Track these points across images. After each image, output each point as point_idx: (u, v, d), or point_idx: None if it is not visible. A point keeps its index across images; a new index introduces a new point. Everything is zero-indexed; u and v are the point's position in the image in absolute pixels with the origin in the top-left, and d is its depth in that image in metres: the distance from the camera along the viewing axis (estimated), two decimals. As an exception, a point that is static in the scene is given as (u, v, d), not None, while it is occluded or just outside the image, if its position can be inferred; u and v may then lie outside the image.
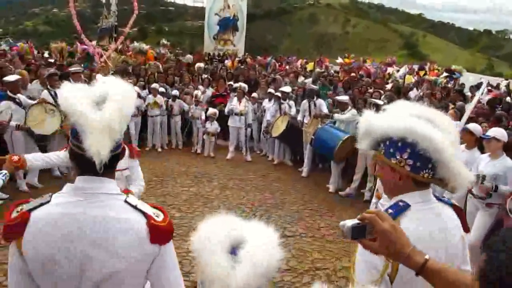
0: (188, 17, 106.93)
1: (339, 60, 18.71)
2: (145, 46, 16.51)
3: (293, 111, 9.94)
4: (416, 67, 17.99)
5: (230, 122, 10.54)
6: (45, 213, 1.65)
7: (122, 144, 1.80)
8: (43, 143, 7.57)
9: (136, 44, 16.86)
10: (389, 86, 13.07)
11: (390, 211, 1.80)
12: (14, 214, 1.67)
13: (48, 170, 7.92)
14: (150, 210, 1.74)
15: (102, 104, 1.68)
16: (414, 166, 1.81)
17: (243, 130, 10.43)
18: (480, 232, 5.39)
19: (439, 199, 1.94)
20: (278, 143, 10.18)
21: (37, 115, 7.17)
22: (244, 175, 9.08)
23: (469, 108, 4.34)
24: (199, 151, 10.74)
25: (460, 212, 1.98)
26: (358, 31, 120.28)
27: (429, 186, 1.88)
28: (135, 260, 1.66)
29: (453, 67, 18.72)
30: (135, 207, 1.72)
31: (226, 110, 10.60)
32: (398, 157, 1.84)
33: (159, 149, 10.79)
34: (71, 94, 1.70)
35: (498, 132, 5.39)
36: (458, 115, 7.56)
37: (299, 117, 9.73)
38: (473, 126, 5.89)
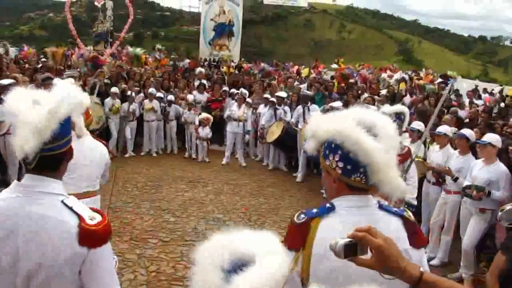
0: (184, 23, 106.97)
1: (334, 65, 18.74)
2: (139, 51, 16.48)
3: (288, 116, 9.96)
4: (406, 75, 18.03)
5: (228, 128, 10.55)
6: None
7: (68, 144, 1.86)
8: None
9: (131, 49, 16.85)
10: (384, 92, 13.11)
11: (314, 210, 1.81)
12: None
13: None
14: (86, 213, 1.76)
15: (40, 104, 1.76)
16: (345, 169, 1.78)
17: (241, 136, 10.45)
18: (473, 237, 5.42)
19: (384, 208, 1.88)
20: (273, 149, 10.20)
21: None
22: (239, 180, 9.09)
23: (435, 111, 4.38)
24: (194, 156, 10.74)
25: (411, 225, 1.88)
26: (353, 37, 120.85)
27: (366, 192, 1.82)
28: (63, 258, 1.69)
29: (448, 73, 18.80)
30: (70, 208, 1.75)
31: (225, 115, 10.62)
32: (330, 159, 1.82)
33: (154, 154, 10.78)
34: (16, 95, 1.80)
35: (493, 138, 5.43)
36: (454, 120, 7.61)
37: (292, 120, 9.74)
38: (467, 132, 5.93)
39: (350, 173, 1.78)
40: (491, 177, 5.30)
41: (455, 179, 5.67)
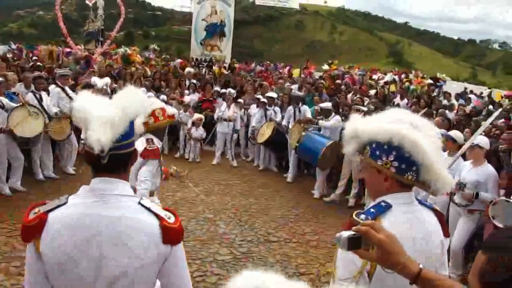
0: (176, 22, 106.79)
1: (325, 66, 18.80)
2: (128, 50, 16.40)
3: (278, 117, 9.98)
4: (397, 77, 18.16)
5: (218, 128, 10.54)
6: (62, 214, 1.72)
7: (133, 145, 1.88)
8: (26, 146, 7.50)
9: (121, 48, 16.79)
10: (372, 92, 13.20)
11: (372, 210, 1.87)
12: (31, 216, 1.72)
13: (32, 173, 7.85)
14: (162, 212, 1.81)
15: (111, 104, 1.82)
16: (399, 168, 1.87)
17: (230, 136, 10.45)
18: (461, 237, 5.47)
19: (421, 202, 2.00)
20: (264, 149, 10.21)
21: (20, 118, 7.09)
22: (229, 181, 9.08)
23: (483, 126, 4.43)
24: (186, 156, 10.73)
25: (441, 217, 2.02)
26: (344, 39, 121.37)
27: (411, 188, 1.93)
28: (148, 259, 1.73)
29: (438, 75, 18.95)
30: (148, 209, 1.79)
31: (215, 116, 10.62)
32: (384, 159, 1.89)
33: (145, 154, 10.72)
34: (83, 97, 1.85)
35: (481, 140, 5.49)
36: (445, 123, 7.68)
37: (284, 122, 9.76)
38: (455, 134, 5.99)
39: (404, 171, 1.87)
40: (479, 178, 5.35)
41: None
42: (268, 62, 22.92)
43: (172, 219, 1.80)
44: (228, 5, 23.26)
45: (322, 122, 8.59)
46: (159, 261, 1.76)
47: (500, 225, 4.83)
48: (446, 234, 2.01)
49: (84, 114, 1.76)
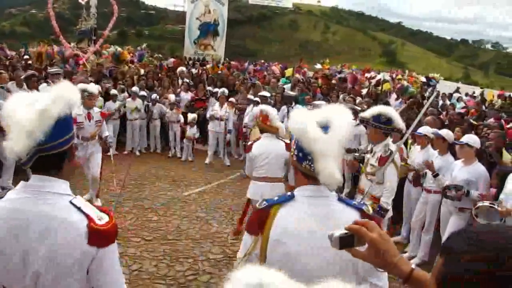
0: (169, 21, 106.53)
1: (318, 66, 18.84)
2: (119, 49, 16.32)
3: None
4: (389, 76, 18.24)
5: (210, 127, 10.54)
6: None
7: (65, 144, 1.83)
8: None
9: (111, 48, 16.71)
10: (363, 91, 13.26)
11: (275, 198, 2.00)
12: None
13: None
14: (94, 213, 1.79)
15: (33, 105, 1.76)
16: (298, 156, 1.97)
17: (223, 135, 10.45)
18: (453, 235, 5.50)
19: (342, 200, 2.02)
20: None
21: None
22: (222, 180, 9.08)
23: (420, 113, 4.49)
24: (178, 155, 10.72)
25: (369, 219, 1.96)
26: (338, 38, 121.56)
27: (319, 183, 1.93)
28: (72, 259, 1.71)
29: (431, 75, 19.06)
30: (78, 208, 1.77)
31: (207, 115, 10.60)
32: (292, 148, 2.04)
33: (138, 153, 10.73)
34: (17, 97, 1.83)
35: (471, 139, 5.53)
36: (437, 122, 7.72)
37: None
38: (445, 132, 6.02)
39: (301, 160, 1.95)
40: (470, 177, 5.39)
41: (435, 175, 5.75)
42: (263, 61, 22.94)
43: (103, 221, 1.77)
44: (222, 4, 23.23)
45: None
46: (84, 261, 1.73)
47: (483, 222, 4.90)
48: None
49: (8, 119, 1.74)
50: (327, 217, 1.90)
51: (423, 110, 4.59)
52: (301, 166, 1.96)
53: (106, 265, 1.79)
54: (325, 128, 1.91)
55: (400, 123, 4.66)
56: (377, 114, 4.62)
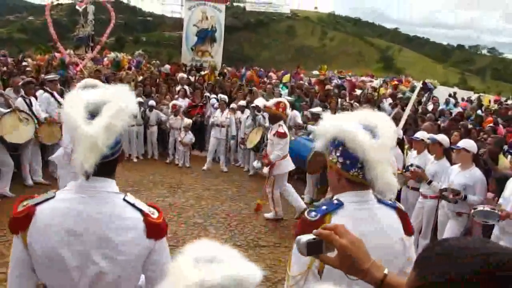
0: (166, 28, 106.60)
1: (315, 72, 18.90)
2: (119, 55, 16.37)
3: (267, 122, 9.98)
4: (384, 81, 18.32)
5: (212, 134, 10.55)
6: (50, 208, 1.75)
7: (119, 151, 1.88)
8: (16, 152, 7.46)
9: (112, 54, 16.75)
10: (358, 92, 13.30)
11: (324, 207, 1.93)
12: (20, 208, 1.75)
13: (21, 179, 7.80)
14: (146, 208, 1.87)
15: (95, 115, 1.75)
16: (344, 164, 1.93)
17: (224, 142, 10.46)
18: (450, 240, 5.51)
19: (381, 201, 2.02)
20: (254, 154, 10.22)
21: (10, 124, 7.05)
22: (219, 186, 9.08)
23: (405, 112, 4.52)
24: (176, 161, 10.72)
25: (403, 215, 2.04)
26: (335, 44, 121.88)
27: (367, 187, 1.95)
28: (133, 254, 1.78)
29: (428, 80, 19.11)
30: (133, 205, 1.84)
31: (210, 121, 10.63)
32: (333, 154, 1.97)
33: (135, 159, 10.72)
34: (69, 104, 1.80)
35: (467, 143, 5.56)
36: (434, 128, 7.77)
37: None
38: (441, 137, 6.05)
39: (349, 167, 1.92)
40: (467, 182, 5.41)
41: (429, 182, 5.78)
42: (257, 68, 22.97)
43: (155, 215, 1.85)
44: (219, 10, 23.26)
45: (311, 127, 8.62)
46: (143, 255, 1.81)
47: (480, 221, 4.94)
48: (409, 232, 2.01)
49: (70, 127, 1.74)
50: (374, 220, 1.91)
51: (408, 107, 4.61)
52: (349, 174, 1.93)
53: (162, 256, 1.87)
54: (373, 135, 1.90)
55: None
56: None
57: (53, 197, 1.79)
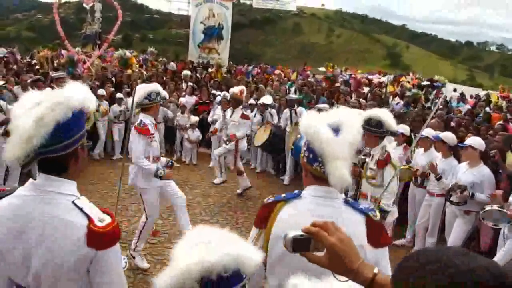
0: (173, 25, 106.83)
1: (322, 69, 18.85)
2: (128, 53, 16.40)
3: (275, 119, 9.99)
4: (391, 77, 18.23)
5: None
6: (3, 204, 1.79)
7: (69, 147, 1.81)
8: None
9: (120, 51, 16.79)
10: (366, 90, 13.24)
11: (283, 195, 2.06)
12: None
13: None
14: (96, 215, 1.79)
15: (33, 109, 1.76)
16: (308, 158, 2.01)
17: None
18: (458, 238, 5.49)
19: (349, 203, 2.03)
20: (261, 152, 10.22)
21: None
22: (226, 183, 9.09)
23: (429, 116, 4.48)
24: (183, 159, 10.73)
25: (375, 225, 2.01)
26: (341, 41, 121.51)
27: (328, 184, 1.95)
28: (71, 258, 1.72)
29: (436, 77, 18.99)
30: (80, 209, 1.77)
31: (209, 118, 10.62)
32: (303, 149, 2.07)
33: (142, 156, 10.72)
34: (22, 101, 1.83)
35: (474, 141, 5.52)
36: (441, 125, 7.71)
37: (281, 124, 9.75)
38: (444, 135, 5.99)
39: (312, 161, 1.99)
40: (475, 179, 5.38)
41: (438, 178, 5.74)
42: (265, 65, 22.94)
43: (104, 223, 1.76)
44: (226, 8, 23.24)
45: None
46: (83, 262, 1.74)
47: (490, 224, 4.90)
48: (376, 244, 1.97)
49: (14, 121, 1.77)
50: (330, 217, 1.84)
51: (431, 114, 4.58)
52: (311, 167, 1.99)
53: (105, 267, 1.78)
54: (336, 131, 1.94)
55: (391, 125, 4.63)
56: (367, 118, 4.60)
57: (11, 193, 1.82)
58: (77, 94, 1.86)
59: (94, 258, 1.74)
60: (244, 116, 8.34)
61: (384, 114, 4.68)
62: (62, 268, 1.72)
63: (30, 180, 1.85)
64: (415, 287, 0.93)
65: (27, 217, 1.74)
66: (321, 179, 1.97)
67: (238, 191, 8.54)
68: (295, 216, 1.95)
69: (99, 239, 1.73)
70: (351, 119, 2.02)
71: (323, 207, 1.95)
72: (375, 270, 1.35)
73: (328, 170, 1.90)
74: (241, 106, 8.47)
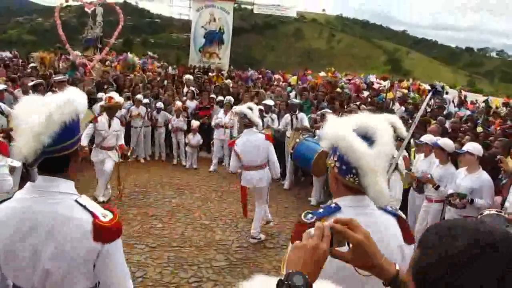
0: (174, 30, 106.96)
1: (322, 73, 18.87)
2: (136, 60, 16.52)
3: (275, 124, 10.00)
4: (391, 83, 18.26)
5: (215, 135, 10.58)
6: (4, 208, 1.84)
7: (71, 147, 1.90)
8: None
9: (130, 55, 16.88)
10: (365, 94, 13.25)
11: (321, 210, 1.97)
12: None
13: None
14: (98, 211, 1.87)
15: (41, 109, 1.82)
16: (341, 169, 1.96)
17: (227, 143, 10.47)
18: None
19: (381, 208, 2.03)
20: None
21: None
22: (226, 187, 9.10)
23: (417, 116, 4.48)
24: (183, 163, 10.74)
25: (404, 224, 2.04)
26: (342, 47, 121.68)
27: (363, 193, 1.95)
28: (77, 255, 1.79)
29: (436, 83, 18.97)
30: (84, 206, 1.86)
31: (212, 123, 10.65)
32: (331, 158, 2.02)
33: (142, 160, 10.77)
34: (26, 102, 1.89)
35: (472, 147, 5.51)
36: (440, 130, 7.70)
37: (281, 128, 9.76)
38: (443, 142, 5.98)
39: (345, 173, 1.94)
40: (473, 185, 5.37)
41: (436, 187, 5.74)
42: (266, 70, 22.99)
43: (107, 218, 1.86)
44: (227, 12, 23.33)
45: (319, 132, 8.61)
46: (90, 257, 1.82)
47: None
48: (409, 240, 2.00)
49: (17, 122, 1.83)
50: (373, 225, 1.86)
51: (419, 113, 4.59)
52: (344, 178, 1.95)
53: (112, 260, 1.87)
54: (367, 139, 1.92)
55: (402, 131, 4.62)
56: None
57: (10, 198, 1.89)
58: (79, 98, 1.96)
59: (101, 252, 1.82)
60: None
61: (395, 120, 4.70)
62: (71, 264, 1.79)
63: (29, 183, 1.90)
64: (442, 250, 0.99)
65: (32, 218, 1.79)
66: (355, 189, 1.95)
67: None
68: None
69: (104, 233, 1.82)
70: (384, 127, 1.99)
71: (363, 216, 1.89)
72: (397, 266, 1.42)
73: (366, 183, 1.88)
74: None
